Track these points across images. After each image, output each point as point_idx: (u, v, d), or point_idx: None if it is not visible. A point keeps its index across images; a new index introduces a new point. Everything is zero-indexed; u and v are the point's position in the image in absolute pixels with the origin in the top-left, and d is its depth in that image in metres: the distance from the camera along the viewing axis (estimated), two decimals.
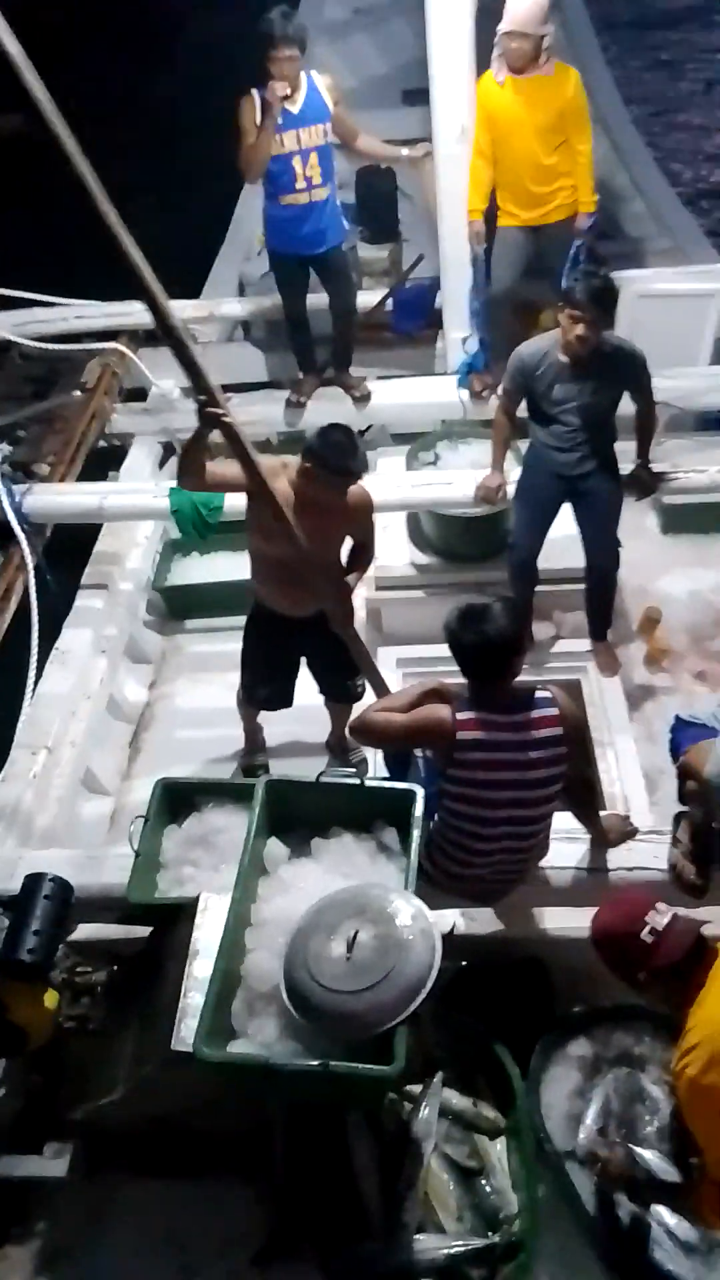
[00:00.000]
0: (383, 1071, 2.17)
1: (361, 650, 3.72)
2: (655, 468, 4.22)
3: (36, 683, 4.20)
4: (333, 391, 5.46)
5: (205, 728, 4.49)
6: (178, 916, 2.65)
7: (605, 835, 3.04)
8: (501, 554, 4.52)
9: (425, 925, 2.31)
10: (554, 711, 2.67)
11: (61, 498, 4.78)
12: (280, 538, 3.33)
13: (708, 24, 13.04)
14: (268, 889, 2.59)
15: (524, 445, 4.25)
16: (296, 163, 4.62)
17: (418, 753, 3.08)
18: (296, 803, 2.73)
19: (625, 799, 3.95)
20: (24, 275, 5.81)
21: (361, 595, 4.56)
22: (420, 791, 2.67)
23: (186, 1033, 2.31)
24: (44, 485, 4.85)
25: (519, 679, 2.72)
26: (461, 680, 2.74)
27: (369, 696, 3.80)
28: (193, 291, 6.19)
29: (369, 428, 5.98)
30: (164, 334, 2.96)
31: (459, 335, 5.34)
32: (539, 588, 4.43)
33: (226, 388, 5.98)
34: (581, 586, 4.35)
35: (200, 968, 2.43)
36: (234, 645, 3.93)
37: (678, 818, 3.02)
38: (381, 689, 3.73)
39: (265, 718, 4.19)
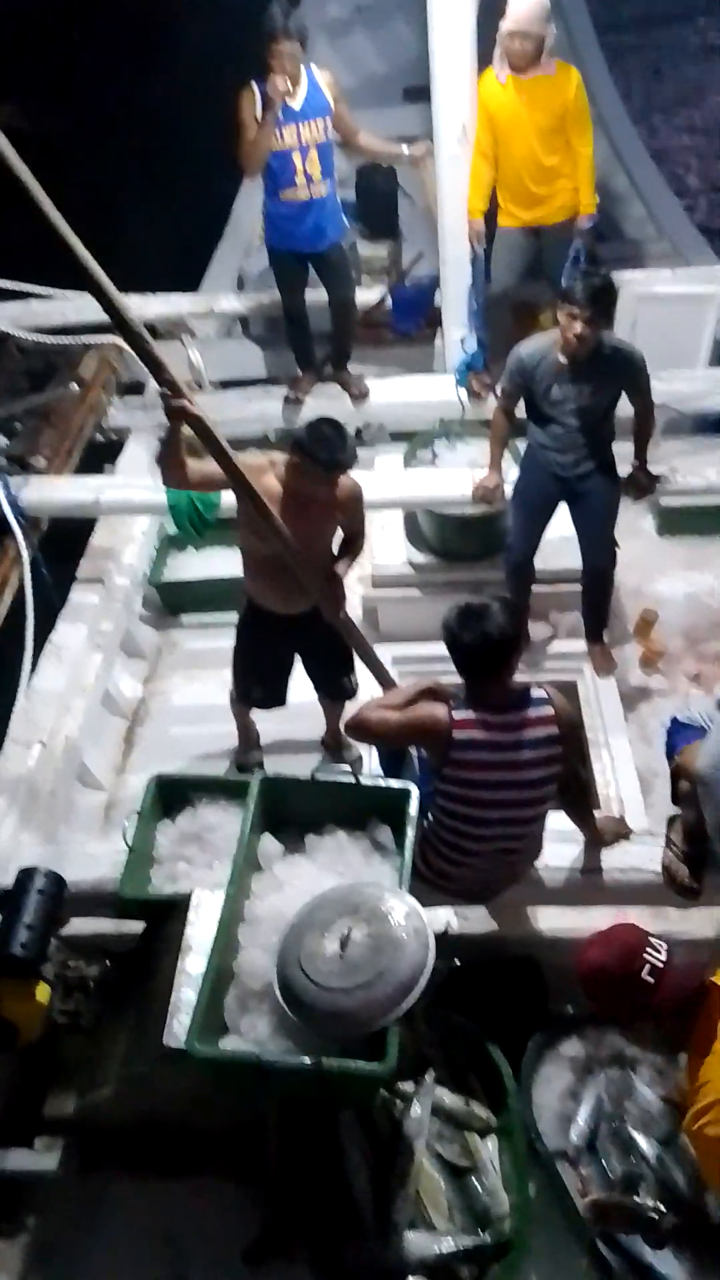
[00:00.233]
0: (375, 1069, 2.17)
1: (358, 638, 3.71)
2: (653, 469, 4.22)
3: (31, 677, 4.19)
4: (331, 389, 5.46)
5: (200, 724, 4.49)
6: (171, 912, 2.65)
7: (600, 836, 3.05)
8: (498, 553, 4.53)
9: (419, 924, 2.32)
10: (549, 711, 2.67)
11: (57, 491, 4.77)
12: (271, 533, 3.32)
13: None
14: (261, 886, 2.58)
15: (522, 445, 4.25)
16: (296, 159, 4.61)
17: (412, 751, 3.08)
18: (291, 800, 2.74)
19: (620, 800, 3.95)
20: (20, 267, 5.79)
21: (358, 594, 4.57)
22: (415, 790, 2.67)
23: (179, 1029, 2.31)
24: (40, 479, 4.84)
25: (514, 678, 2.72)
26: (457, 679, 2.75)
27: (364, 694, 3.80)
28: (191, 287, 6.18)
29: (367, 426, 5.99)
30: (117, 326, 2.91)
31: (458, 334, 5.34)
32: (535, 588, 4.44)
33: (225, 384, 6.06)
34: (578, 587, 4.36)
35: (193, 964, 2.42)
36: (229, 641, 3.92)
37: (672, 820, 3.02)
38: (384, 677, 3.71)
39: (259, 715, 4.19)
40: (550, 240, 4.93)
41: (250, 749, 4.28)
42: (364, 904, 2.34)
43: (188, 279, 6.30)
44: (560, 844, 3.05)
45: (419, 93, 5.81)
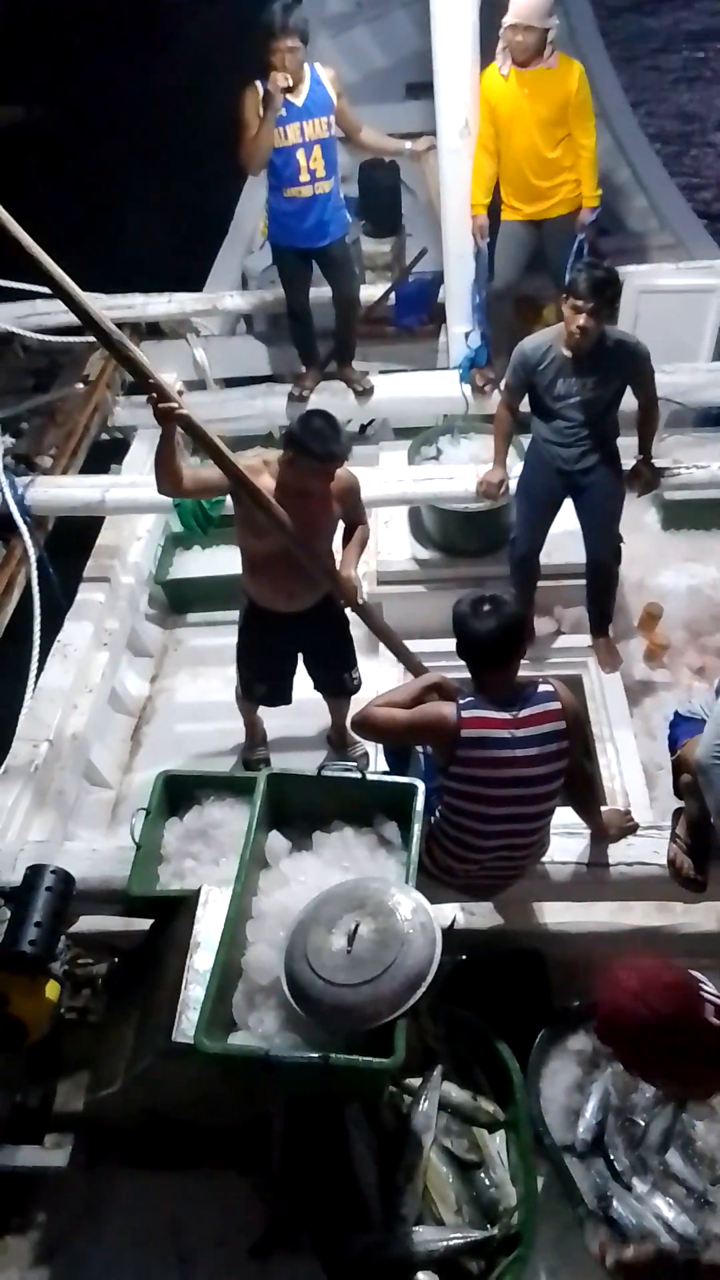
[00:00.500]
0: (382, 1064, 2.18)
1: (380, 623, 3.70)
2: (656, 463, 4.22)
3: (38, 675, 4.20)
4: (335, 385, 5.46)
5: (206, 721, 4.50)
6: (178, 909, 2.66)
7: (605, 830, 3.05)
8: (502, 549, 4.53)
9: (425, 919, 2.32)
10: (556, 705, 2.67)
11: (63, 490, 4.78)
12: (271, 531, 3.32)
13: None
14: (268, 882, 2.60)
15: (526, 440, 4.25)
16: (300, 156, 4.60)
17: (418, 747, 3.09)
18: (297, 796, 2.74)
19: (625, 794, 3.95)
20: (24, 267, 5.79)
21: (363, 590, 4.57)
22: (421, 786, 2.67)
23: (187, 1025, 2.33)
24: (46, 478, 4.85)
25: (519, 674, 2.72)
26: (462, 675, 2.75)
27: (368, 690, 3.80)
28: (195, 285, 6.18)
29: (371, 422, 5.99)
30: (91, 332, 2.91)
31: (461, 330, 5.33)
32: (540, 583, 4.43)
33: (229, 381, 6.06)
34: (582, 582, 4.35)
35: (201, 960, 2.44)
36: (235, 639, 3.93)
37: (677, 813, 3.03)
38: (411, 662, 3.70)
39: (265, 711, 4.19)
40: (553, 234, 4.91)
41: (256, 745, 4.29)
42: (370, 899, 2.35)
43: (191, 276, 6.30)
44: (565, 838, 3.05)
45: (421, 89, 5.80)
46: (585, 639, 4.49)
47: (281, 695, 3.99)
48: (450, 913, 3.11)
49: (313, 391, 5.43)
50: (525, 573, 4.37)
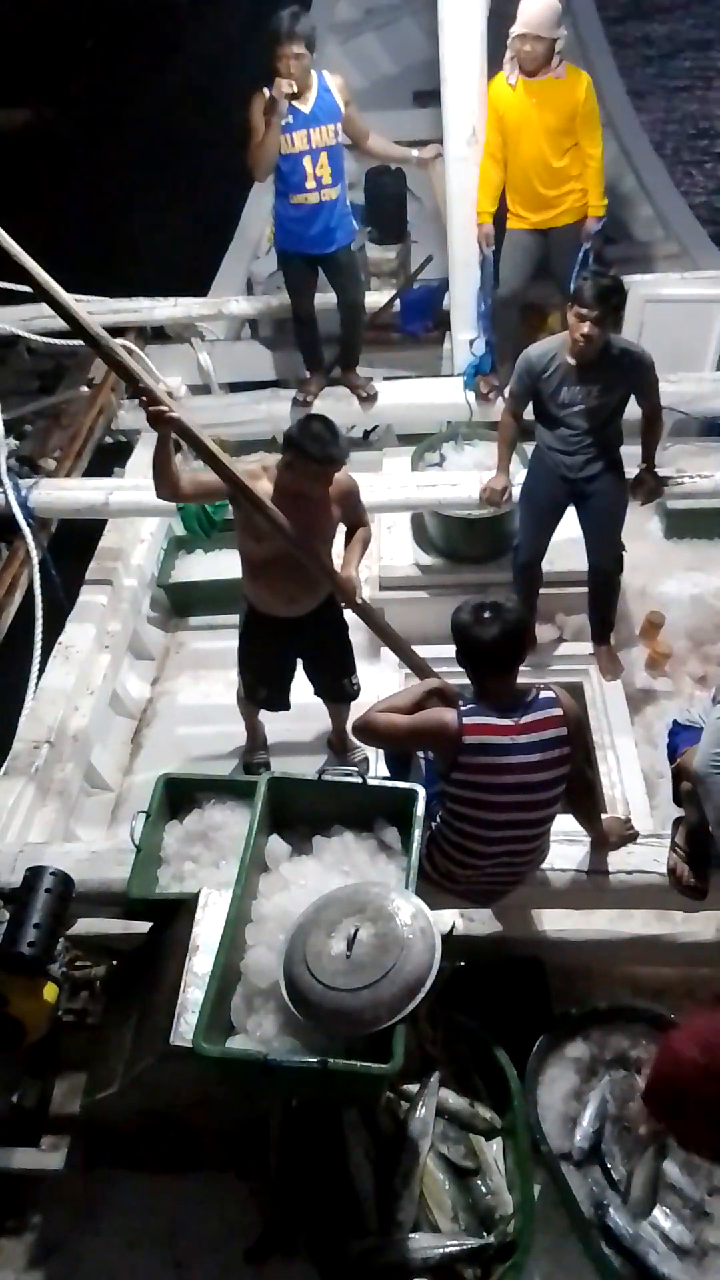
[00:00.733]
0: (381, 1069, 2.17)
1: (381, 622, 3.70)
2: (660, 472, 4.22)
3: (39, 677, 4.21)
4: (339, 391, 5.47)
5: (207, 724, 4.50)
6: (177, 912, 2.66)
7: (605, 837, 3.05)
8: (505, 555, 4.53)
9: (425, 924, 2.32)
10: (557, 712, 2.67)
11: (67, 493, 4.79)
12: (270, 535, 3.32)
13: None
14: (268, 886, 2.59)
15: (529, 447, 4.26)
16: (307, 162, 4.62)
17: (419, 753, 3.09)
18: (298, 800, 2.74)
19: (625, 802, 3.95)
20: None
21: (366, 595, 4.57)
22: (422, 791, 2.67)
23: (185, 1028, 2.33)
24: (49, 480, 4.86)
25: (520, 680, 2.72)
26: (464, 682, 2.75)
27: (368, 696, 3.80)
28: (200, 289, 6.20)
29: (375, 428, 6.00)
30: (78, 334, 2.91)
31: (466, 337, 5.35)
32: (542, 590, 4.44)
33: (233, 386, 6.07)
34: (585, 589, 4.36)
35: (200, 963, 2.44)
36: (236, 643, 3.93)
37: (677, 822, 3.03)
38: (414, 661, 3.70)
39: (266, 715, 4.20)
40: (559, 242, 4.93)
41: (257, 749, 4.29)
42: (370, 904, 2.35)
43: (197, 281, 6.33)
44: (566, 845, 3.05)
45: (429, 96, 5.81)
46: (587, 646, 4.49)
47: (281, 701, 4.00)
48: (450, 919, 3.11)
49: (317, 397, 5.44)
50: (528, 579, 4.37)
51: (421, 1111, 2.65)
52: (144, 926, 2.87)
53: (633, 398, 3.93)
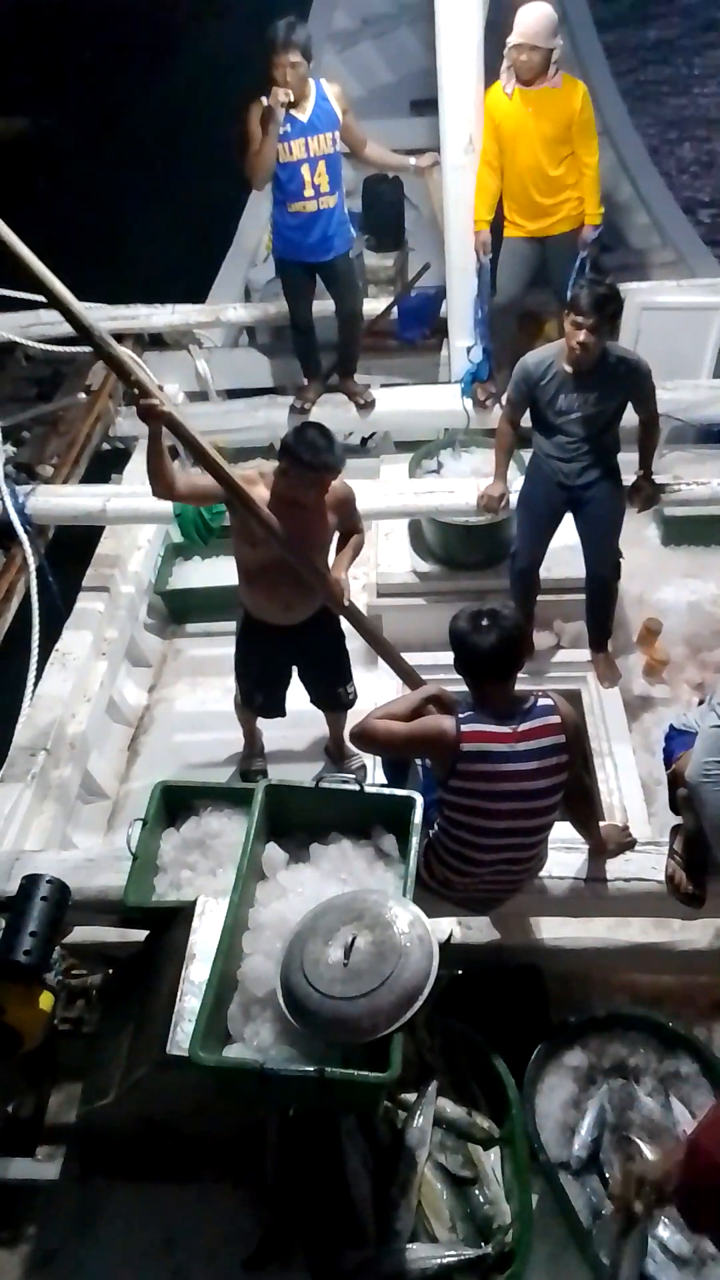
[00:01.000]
0: (378, 1078, 2.16)
1: (370, 627, 3.69)
2: (657, 479, 4.23)
3: (36, 684, 4.20)
4: (337, 398, 5.48)
5: (204, 731, 4.49)
6: (174, 920, 2.65)
7: (603, 845, 3.04)
8: (503, 562, 4.54)
9: (423, 932, 2.32)
10: (555, 719, 2.67)
11: (64, 499, 4.79)
12: (266, 541, 3.32)
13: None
14: (265, 893, 2.59)
15: (527, 454, 4.26)
16: (305, 170, 4.63)
17: (417, 760, 3.08)
18: (295, 807, 2.74)
19: (624, 809, 3.94)
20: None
21: (362, 602, 4.57)
22: (420, 799, 2.67)
23: (182, 1037, 2.31)
24: (47, 487, 4.87)
25: (518, 687, 2.72)
26: (461, 689, 2.75)
27: (365, 703, 3.80)
28: (198, 296, 6.21)
29: (372, 435, 6.01)
30: (69, 320, 2.91)
31: (463, 344, 5.36)
32: (540, 597, 4.44)
33: (231, 393, 6.08)
34: (582, 596, 4.36)
35: (197, 971, 2.43)
36: (233, 650, 3.93)
37: (674, 829, 3.02)
38: (403, 668, 3.69)
39: (263, 722, 4.19)
40: (555, 250, 4.95)
41: (255, 756, 4.28)
42: (368, 911, 2.34)
43: (195, 288, 6.33)
44: (563, 853, 3.04)
45: (426, 105, 5.83)
46: (585, 653, 4.49)
47: (276, 708, 4.00)
48: (447, 926, 3.10)
49: (315, 404, 5.45)
50: (525, 586, 4.37)
51: (419, 1120, 2.64)
52: (141, 934, 2.86)
53: (630, 405, 3.94)
